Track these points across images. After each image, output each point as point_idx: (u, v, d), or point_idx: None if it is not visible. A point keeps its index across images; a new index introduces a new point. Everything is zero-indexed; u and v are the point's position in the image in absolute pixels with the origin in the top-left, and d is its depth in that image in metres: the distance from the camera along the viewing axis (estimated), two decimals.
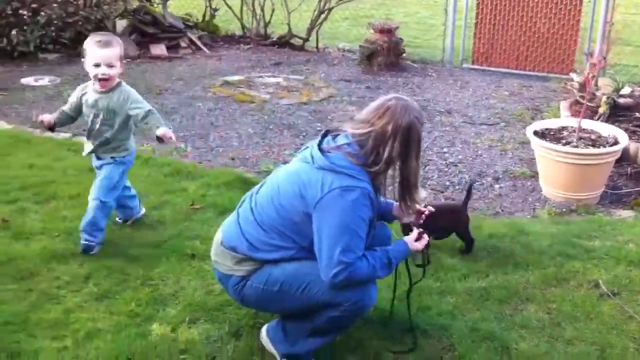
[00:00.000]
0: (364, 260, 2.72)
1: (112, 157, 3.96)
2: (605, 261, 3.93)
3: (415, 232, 2.96)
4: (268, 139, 6.20)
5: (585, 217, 4.67)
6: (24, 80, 7.69)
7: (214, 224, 4.26)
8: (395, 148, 2.77)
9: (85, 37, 3.92)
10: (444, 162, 5.70)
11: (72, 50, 8.43)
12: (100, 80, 3.76)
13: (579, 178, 4.83)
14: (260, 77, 8.37)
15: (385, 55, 8.76)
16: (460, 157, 5.82)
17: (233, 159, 5.70)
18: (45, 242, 3.93)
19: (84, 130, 4.06)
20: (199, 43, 9.81)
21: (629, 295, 3.59)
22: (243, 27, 10.56)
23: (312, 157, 2.79)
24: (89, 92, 3.87)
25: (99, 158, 3.99)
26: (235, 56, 9.53)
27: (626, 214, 4.73)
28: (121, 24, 9.30)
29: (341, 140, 2.85)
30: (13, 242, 3.93)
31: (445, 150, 5.98)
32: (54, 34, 8.61)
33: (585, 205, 4.83)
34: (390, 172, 2.86)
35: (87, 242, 3.84)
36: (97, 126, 3.87)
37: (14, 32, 8.42)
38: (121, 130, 3.92)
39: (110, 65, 3.73)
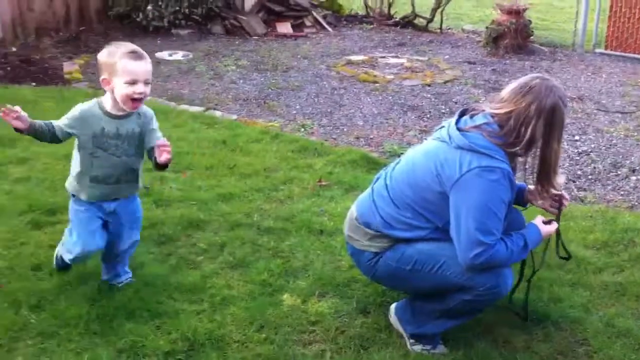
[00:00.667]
0: (502, 243, 2.69)
1: (137, 188, 3.25)
2: None
3: (540, 218, 2.92)
4: (392, 119, 6.20)
5: None
6: (158, 55, 8.05)
7: (341, 201, 4.34)
8: (539, 129, 2.70)
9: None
10: (576, 150, 5.50)
11: (204, 27, 8.74)
12: (133, 100, 2.95)
13: None
14: (384, 57, 8.36)
15: (513, 37, 8.52)
16: (592, 145, 5.60)
17: (358, 138, 5.74)
18: (182, 210, 4.13)
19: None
20: (323, 22, 9.90)
21: None
22: (366, 6, 10.55)
23: (450, 136, 2.77)
24: (103, 121, 2.99)
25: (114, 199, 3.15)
26: (358, 36, 9.55)
27: None
28: (250, 2, 9.53)
29: (479, 120, 2.81)
30: (154, 207, 4.15)
31: (577, 138, 5.78)
32: (186, 10, 8.94)
33: None
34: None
35: (129, 278, 3.35)
36: (121, 160, 3.05)
37: (149, 7, 8.81)
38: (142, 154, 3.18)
39: (147, 82, 2.99)
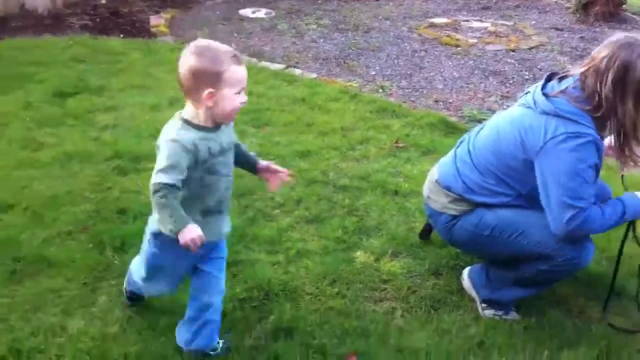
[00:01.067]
0: (596, 207, 2.64)
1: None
2: None
3: None
4: (473, 84, 6.09)
5: None
6: (241, 12, 8.12)
7: (417, 163, 4.33)
8: (608, 85, 2.57)
9: None
10: None
11: None
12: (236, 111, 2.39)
13: None
14: (467, 20, 8.18)
15: (604, 4, 8.17)
16: None
17: (437, 101, 5.68)
18: None
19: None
20: None
21: None
22: None
23: (535, 102, 2.71)
24: (206, 141, 2.34)
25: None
26: None
27: None
28: None
29: (566, 83, 2.72)
30: None
31: None
32: None
33: None
34: None
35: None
36: (229, 179, 2.52)
37: None
38: None
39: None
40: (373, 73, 6.27)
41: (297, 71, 6.11)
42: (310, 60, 6.58)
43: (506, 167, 2.78)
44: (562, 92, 2.68)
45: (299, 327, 2.82)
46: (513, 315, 2.99)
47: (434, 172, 3.06)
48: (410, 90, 5.91)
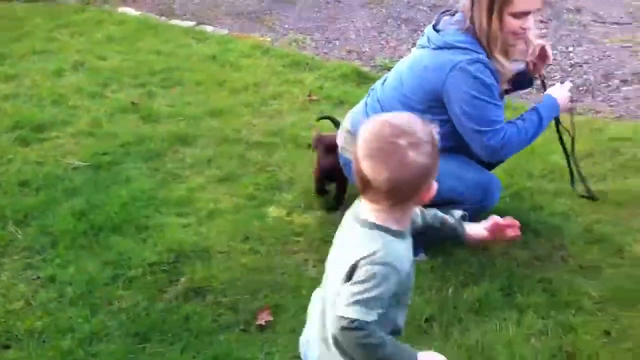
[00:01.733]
0: (511, 125, 2.74)
1: None
2: None
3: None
4: (385, 33, 6.12)
5: None
6: None
7: (330, 115, 4.34)
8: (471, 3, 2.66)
9: None
10: (569, 62, 5.44)
11: None
12: None
13: None
14: None
15: None
16: (585, 57, 5.53)
17: (350, 52, 5.69)
18: (171, 125, 4.15)
19: None
20: None
21: None
22: None
23: (429, 39, 2.76)
24: (407, 250, 1.77)
25: None
26: None
27: None
28: None
29: (457, 16, 2.79)
30: (142, 124, 4.17)
31: (570, 50, 5.69)
32: None
33: None
34: None
35: None
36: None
37: None
38: None
39: None
40: (286, 26, 6.22)
41: (209, 28, 6.00)
42: (222, 15, 6.47)
43: (414, 113, 2.80)
44: (452, 24, 2.75)
45: (211, 286, 2.83)
46: (421, 256, 3.06)
47: (347, 122, 3.07)
48: (323, 42, 5.90)
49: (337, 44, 5.86)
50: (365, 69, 5.24)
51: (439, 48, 2.69)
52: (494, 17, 2.63)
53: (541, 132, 2.86)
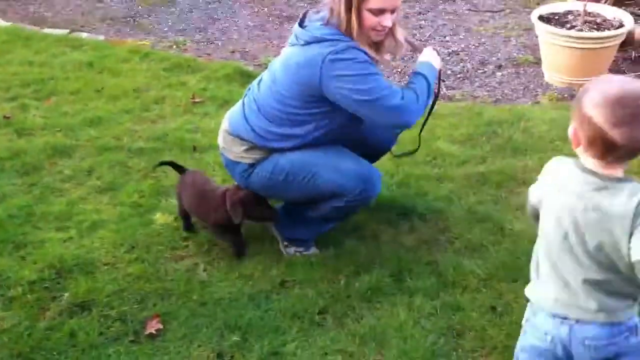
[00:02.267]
0: (407, 89, 2.74)
1: None
2: None
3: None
4: (268, 31, 6.10)
5: None
6: None
7: (215, 116, 4.28)
8: None
9: None
10: (446, 50, 5.60)
11: None
12: None
13: (582, 62, 4.75)
14: None
15: None
16: (462, 45, 5.71)
17: (233, 52, 5.63)
18: (47, 137, 3.97)
19: None
20: None
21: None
22: None
23: (296, 37, 2.76)
24: None
25: None
26: None
27: None
28: None
29: (322, 11, 2.78)
30: (16, 138, 3.97)
31: (447, 39, 5.87)
32: None
33: None
34: None
35: None
36: None
37: None
38: None
39: None
40: (165, 29, 6.08)
41: (84, 34, 5.77)
42: (97, 22, 6.26)
43: (290, 109, 2.80)
44: (317, 19, 2.76)
45: (97, 299, 2.72)
46: (313, 250, 3.07)
47: (225, 123, 3.03)
48: (205, 43, 5.81)
49: (220, 44, 5.79)
50: (249, 68, 5.20)
51: (308, 43, 2.69)
52: (353, 12, 2.63)
53: (431, 95, 2.85)
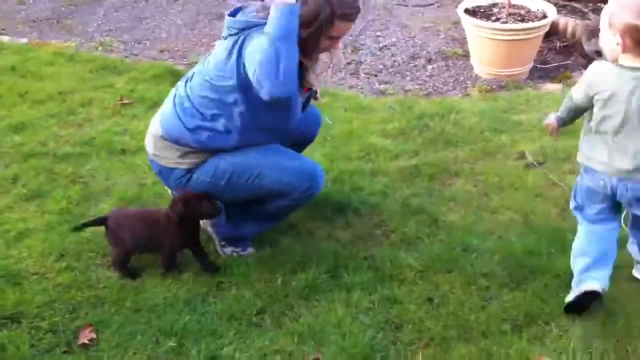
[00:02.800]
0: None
1: None
2: (532, 133, 4.02)
3: None
4: (198, 29, 6.00)
5: (514, 92, 4.73)
6: None
7: (144, 117, 4.18)
8: None
9: None
10: (378, 45, 5.63)
11: None
12: None
13: (509, 54, 4.86)
14: None
15: None
16: (393, 39, 5.75)
17: (162, 51, 5.53)
18: None
19: None
20: None
21: (553, 163, 3.71)
22: None
23: (228, 27, 2.71)
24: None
25: None
26: None
27: (554, 87, 4.82)
28: None
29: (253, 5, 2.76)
30: None
31: (379, 33, 5.89)
32: None
33: (514, 80, 4.89)
34: None
35: None
36: None
37: None
38: None
39: None
40: (91, 30, 5.91)
41: (5, 38, 5.55)
42: (19, 24, 6.02)
43: (225, 103, 2.73)
44: (251, 11, 2.71)
45: (26, 310, 2.63)
46: (250, 250, 3.04)
47: (157, 128, 2.92)
48: (132, 43, 5.68)
49: (148, 44, 5.67)
50: (180, 67, 5.10)
51: (241, 30, 2.65)
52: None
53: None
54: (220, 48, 2.73)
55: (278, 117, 2.81)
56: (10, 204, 3.31)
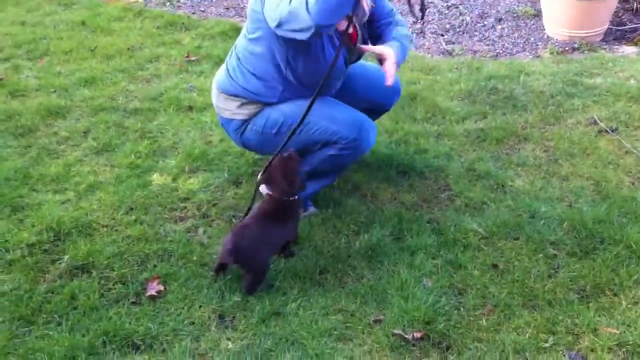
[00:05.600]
0: None
1: None
2: (605, 98, 3.89)
3: None
4: None
5: (587, 54, 4.57)
6: None
7: (210, 74, 4.23)
8: None
9: None
10: (445, 4, 5.51)
11: None
12: None
13: (583, 14, 4.67)
14: None
15: None
16: None
17: (227, 8, 5.53)
18: (41, 98, 3.91)
19: None
20: None
21: (627, 130, 3.58)
22: None
23: None
24: None
25: None
26: None
27: (629, 50, 4.63)
28: None
29: None
30: (10, 99, 3.91)
31: None
32: None
33: (588, 42, 4.72)
34: None
35: None
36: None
37: None
38: None
39: None
40: None
41: None
42: None
43: (261, 55, 2.72)
44: None
45: (97, 261, 2.70)
46: (312, 210, 3.05)
47: (215, 81, 2.98)
48: (199, 0, 5.70)
49: (214, 0, 5.68)
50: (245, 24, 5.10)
51: None
52: None
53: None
54: (251, 17, 2.70)
55: (310, 67, 2.76)
56: (81, 157, 3.40)
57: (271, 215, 2.63)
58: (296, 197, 2.67)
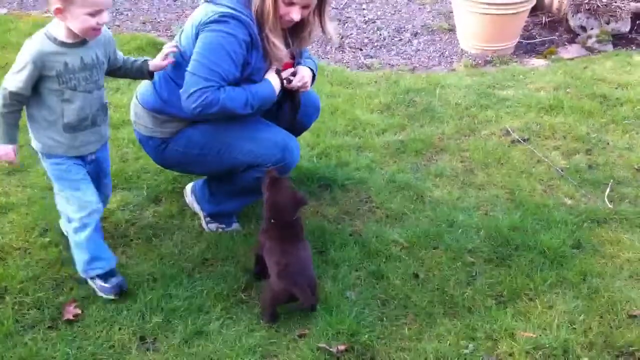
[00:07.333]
0: (221, 91, 2.58)
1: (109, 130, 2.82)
2: (517, 109, 4.03)
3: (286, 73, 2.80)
4: (180, 1, 5.93)
5: (499, 67, 4.73)
6: None
7: (127, 91, 4.15)
8: None
9: None
10: (363, 19, 5.60)
11: None
12: (95, 30, 2.41)
13: (495, 28, 4.85)
14: None
15: None
16: (378, 13, 5.73)
17: (144, 23, 5.46)
18: None
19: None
20: None
21: (538, 140, 3.72)
22: None
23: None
24: (63, 53, 2.42)
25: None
26: None
27: (539, 62, 4.82)
28: None
29: None
30: None
31: (364, 7, 5.87)
32: None
33: (500, 55, 4.89)
34: None
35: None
36: (93, 94, 2.58)
37: None
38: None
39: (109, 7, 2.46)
40: None
41: None
42: None
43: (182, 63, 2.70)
44: None
45: (10, 286, 2.60)
46: (235, 226, 3.03)
47: (137, 96, 2.92)
48: (114, 14, 5.60)
49: (130, 15, 5.60)
50: (162, 39, 5.04)
51: (205, 1, 2.64)
52: None
53: (248, 111, 2.67)
54: (187, 23, 2.70)
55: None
56: None
57: (300, 235, 2.59)
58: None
